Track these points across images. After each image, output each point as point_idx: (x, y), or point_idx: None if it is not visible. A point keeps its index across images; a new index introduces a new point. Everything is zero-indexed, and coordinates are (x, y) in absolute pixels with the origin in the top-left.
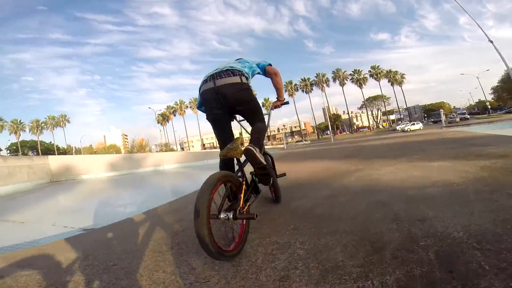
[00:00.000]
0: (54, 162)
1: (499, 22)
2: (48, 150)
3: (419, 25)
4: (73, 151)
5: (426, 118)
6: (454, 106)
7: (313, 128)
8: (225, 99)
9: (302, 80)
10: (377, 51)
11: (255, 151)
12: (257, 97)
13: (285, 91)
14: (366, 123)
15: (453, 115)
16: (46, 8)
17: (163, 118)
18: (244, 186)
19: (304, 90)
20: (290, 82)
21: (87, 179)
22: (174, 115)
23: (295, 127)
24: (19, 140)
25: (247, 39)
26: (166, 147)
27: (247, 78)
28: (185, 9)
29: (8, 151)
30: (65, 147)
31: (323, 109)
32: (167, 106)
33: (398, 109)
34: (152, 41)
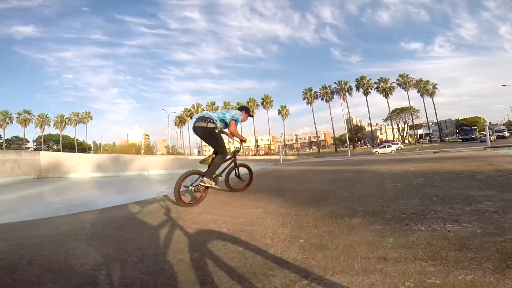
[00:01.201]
0: (45, 158)
1: None
2: (71, 144)
3: (455, 34)
4: (98, 148)
5: (457, 134)
6: (490, 122)
7: (332, 139)
8: (198, 134)
9: (322, 87)
10: (407, 61)
11: (205, 183)
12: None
13: (304, 98)
14: (390, 137)
15: (490, 132)
16: (89, 9)
17: (180, 121)
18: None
19: (324, 98)
20: (310, 89)
21: (73, 178)
22: (191, 118)
23: (314, 137)
24: (45, 133)
25: (271, 45)
26: (173, 151)
27: (214, 124)
28: (213, 14)
29: (35, 143)
30: (90, 143)
31: (346, 120)
32: (184, 109)
33: (427, 123)
34: (182, 45)
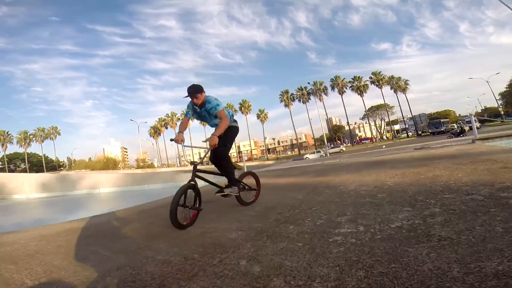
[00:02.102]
0: None
1: (499, 28)
2: (40, 162)
3: (420, 33)
4: (70, 164)
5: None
6: (459, 114)
7: (313, 140)
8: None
9: (298, 89)
10: (378, 61)
11: (234, 191)
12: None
13: (281, 101)
14: (369, 134)
15: (460, 123)
16: (58, 19)
17: (155, 131)
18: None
19: (301, 100)
20: (286, 92)
21: (16, 200)
22: (166, 128)
23: (295, 140)
24: (12, 151)
25: (250, 51)
26: (144, 164)
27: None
28: (190, 22)
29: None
30: (64, 160)
31: (326, 121)
32: (159, 119)
33: (403, 118)
34: (158, 54)
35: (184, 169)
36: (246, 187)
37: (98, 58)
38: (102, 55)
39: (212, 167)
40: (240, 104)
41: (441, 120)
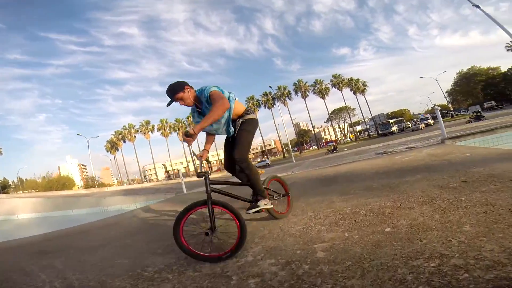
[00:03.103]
0: None
1: (442, 31)
2: None
3: (375, 38)
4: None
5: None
6: (413, 113)
7: (281, 146)
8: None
9: (263, 94)
10: (339, 65)
11: (264, 204)
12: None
13: (248, 107)
14: (334, 137)
15: (414, 121)
16: (5, 26)
17: (112, 146)
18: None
19: (266, 105)
20: (252, 98)
21: None
22: (124, 142)
23: (265, 146)
24: None
25: (218, 59)
26: (92, 182)
27: None
28: (154, 29)
29: None
30: (13, 180)
31: (294, 125)
32: (115, 132)
33: (364, 119)
34: (118, 62)
35: (143, 186)
36: (275, 195)
37: (52, 68)
38: (56, 65)
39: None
40: None
41: (390, 120)
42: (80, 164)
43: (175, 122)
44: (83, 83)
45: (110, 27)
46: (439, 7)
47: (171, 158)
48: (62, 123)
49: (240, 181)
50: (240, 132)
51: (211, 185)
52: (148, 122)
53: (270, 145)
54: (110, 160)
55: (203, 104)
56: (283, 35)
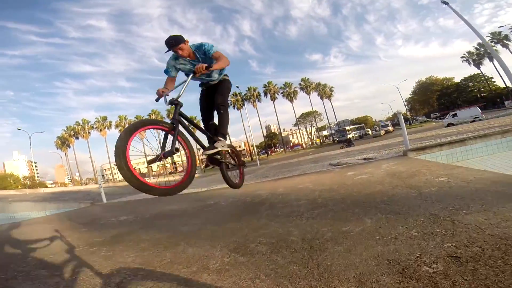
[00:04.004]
0: None
1: (406, 41)
2: None
3: (345, 45)
4: None
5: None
6: (375, 119)
7: (251, 148)
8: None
9: (233, 94)
10: (311, 71)
11: (218, 147)
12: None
13: None
14: (301, 140)
15: (376, 128)
16: None
17: (62, 143)
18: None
19: (235, 106)
20: None
21: None
22: (77, 138)
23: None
24: None
25: None
26: (32, 183)
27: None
28: (125, 24)
29: None
30: None
31: (265, 128)
32: (67, 127)
33: (329, 124)
34: (83, 55)
35: (86, 187)
36: (230, 165)
37: (5, 58)
38: (11, 55)
39: None
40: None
41: (346, 127)
42: (29, 161)
43: (135, 119)
44: (41, 75)
45: (77, 19)
46: (405, 18)
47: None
48: (12, 116)
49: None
50: (222, 84)
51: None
52: (105, 118)
53: (240, 146)
54: (61, 157)
55: (197, 57)
56: (260, 37)
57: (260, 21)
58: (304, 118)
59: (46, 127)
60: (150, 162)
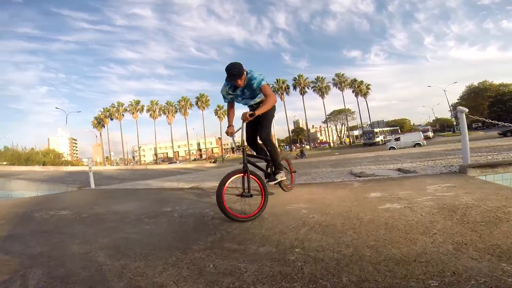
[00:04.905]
0: None
1: (459, 43)
2: None
3: (388, 43)
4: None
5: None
6: (414, 123)
7: (277, 141)
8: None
9: None
10: (347, 67)
11: (278, 179)
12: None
13: None
14: (330, 138)
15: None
16: (21, 1)
17: (98, 122)
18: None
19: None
20: None
21: None
22: (111, 119)
23: None
24: None
25: (226, 48)
26: (56, 158)
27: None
28: (166, 13)
29: None
30: None
31: (294, 122)
32: (103, 109)
33: (361, 124)
34: (127, 42)
35: (115, 168)
36: (286, 171)
37: (60, 44)
38: (64, 41)
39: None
40: (197, 98)
41: (375, 130)
42: (71, 138)
43: (165, 104)
44: (89, 60)
45: (123, 7)
46: (461, 18)
47: (156, 141)
48: (62, 97)
49: (263, 156)
50: (268, 114)
51: (248, 157)
52: (137, 102)
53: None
54: (96, 136)
55: (248, 90)
56: (295, 30)
57: (296, 14)
58: (335, 116)
59: (89, 108)
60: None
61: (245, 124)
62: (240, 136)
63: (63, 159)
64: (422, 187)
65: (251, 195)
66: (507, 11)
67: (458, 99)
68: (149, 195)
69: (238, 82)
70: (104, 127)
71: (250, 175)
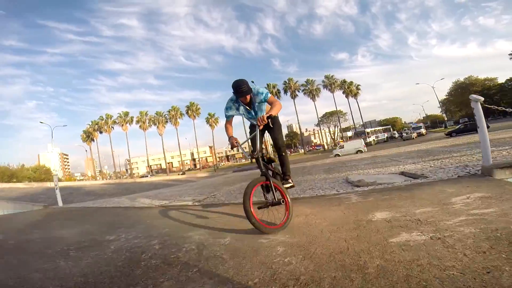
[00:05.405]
0: None
1: (441, 41)
2: None
3: (374, 44)
4: None
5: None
6: (405, 121)
7: (271, 146)
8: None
9: None
10: (336, 70)
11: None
12: None
13: None
14: (324, 141)
15: (407, 130)
16: (4, 13)
17: (87, 136)
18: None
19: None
20: None
21: None
22: (100, 133)
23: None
24: None
25: (216, 56)
26: (44, 174)
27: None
28: (154, 22)
29: None
30: None
31: (287, 127)
32: (91, 122)
33: (354, 125)
34: (115, 53)
35: (101, 182)
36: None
37: (46, 56)
38: (51, 53)
39: None
40: (187, 107)
41: (366, 130)
42: (62, 153)
43: (155, 115)
44: (77, 72)
45: (110, 18)
46: (441, 17)
47: (148, 153)
48: (51, 111)
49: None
50: (277, 124)
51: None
52: (126, 114)
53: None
54: (86, 151)
55: (253, 102)
56: (283, 36)
57: (283, 20)
58: (327, 118)
59: (80, 122)
60: (260, 208)
61: (259, 130)
62: (246, 145)
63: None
64: (445, 200)
65: (281, 202)
66: (482, 8)
67: (446, 95)
68: (108, 215)
69: (247, 98)
70: (93, 141)
71: (273, 183)
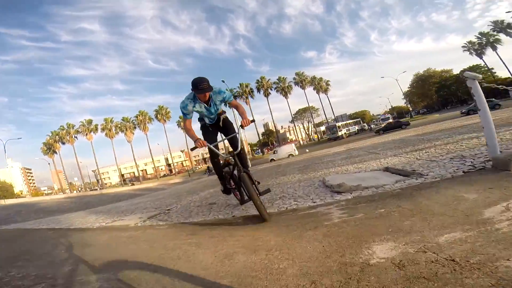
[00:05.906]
0: None
1: (400, 37)
2: None
3: (340, 42)
4: None
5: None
6: (373, 114)
7: (249, 146)
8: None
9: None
10: (306, 68)
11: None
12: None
13: None
14: (299, 137)
15: (376, 122)
16: None
17: (48, 149)
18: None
19: (226, 104)
20: None
21: None
22: (63, 144)
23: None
24: None
25: (186, 58)
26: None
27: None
28: (117, 26)
29: None
30: None
31: (263, 125)
32: (51, 132)
33: (326, 120)
34: (76, 59)
35: (64, 196)
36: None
37: None
38: (3, 60)
39: None
40: (156, 111)
41: (337, 124)
42: (23, 168)
43: (122, 121)
44: (35, 80)
45: (68, 23)
46: (399, 14)
47: (118, 162)
48: (8, 123)
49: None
50: (230, 125)
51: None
52: (90, 121)
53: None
54: (49, 164)
55: (212, 101)
56: (255, 36)
57: (254, 20)
58: (300, 114)
59: (42, 133)
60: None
61: (239, 131)
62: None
63: (19, 191)
64: (473, 213)
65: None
66: (435, 5)
67: (408, 87)
68: (26, 242)
69: (207, 96)
70: (56, 152)
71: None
